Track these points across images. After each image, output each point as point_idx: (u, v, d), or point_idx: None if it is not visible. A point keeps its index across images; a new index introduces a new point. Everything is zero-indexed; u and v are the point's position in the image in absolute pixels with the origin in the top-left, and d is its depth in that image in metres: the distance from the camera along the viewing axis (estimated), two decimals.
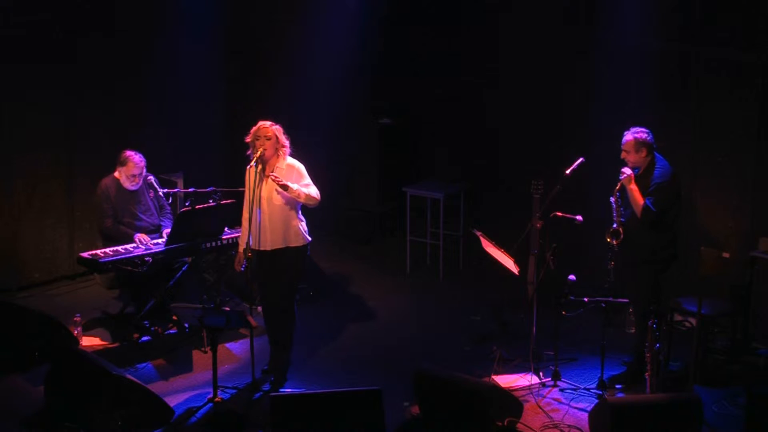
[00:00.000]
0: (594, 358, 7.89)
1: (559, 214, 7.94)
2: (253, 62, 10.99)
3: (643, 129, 7.66)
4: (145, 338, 8.53)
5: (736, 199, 8.79)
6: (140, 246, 8.31)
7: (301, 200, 7.64)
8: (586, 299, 7.89)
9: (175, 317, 8.70)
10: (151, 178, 8.71)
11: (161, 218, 8.73)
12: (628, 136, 7.67)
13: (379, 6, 10.77)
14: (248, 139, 7.64)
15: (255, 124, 7.67)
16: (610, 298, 7.77)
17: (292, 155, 7.74)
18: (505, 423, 7.03)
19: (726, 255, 8.52)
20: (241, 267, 7.73)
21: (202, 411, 7.42)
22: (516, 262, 8.01)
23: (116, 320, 8.76)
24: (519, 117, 10.25)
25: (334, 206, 10.65)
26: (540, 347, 8.13)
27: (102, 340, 8.58)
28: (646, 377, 7.23)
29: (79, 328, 8.43)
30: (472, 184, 10.58)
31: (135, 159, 8.47)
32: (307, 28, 10.65)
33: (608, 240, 7.76)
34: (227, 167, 10.36)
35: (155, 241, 8.44)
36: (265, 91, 10.73)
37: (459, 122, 10.92)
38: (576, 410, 7.46)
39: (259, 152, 7.54)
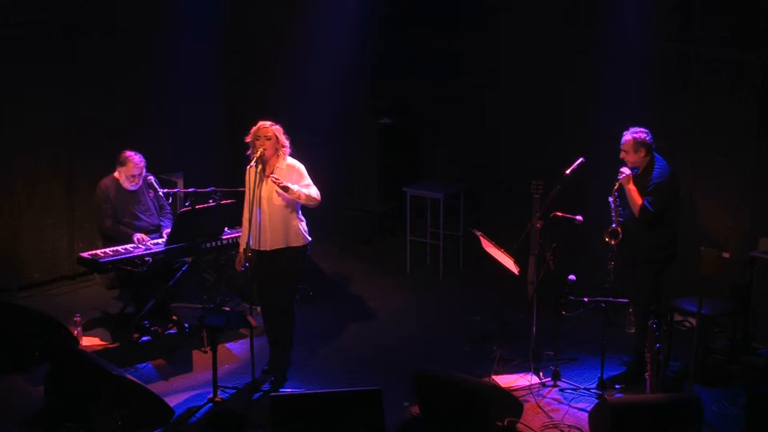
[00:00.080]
0: (594, 358, 7.89)
1: (559, 214, 7.95)
2: (253, 62, 10.99)
3: (642, 129, 7.67)
4: (145, 338, 8.53)
5: (736, 199, 8.79)
6: (140, 246, 8.31)
7: (302, 201, 7.64)
8: (586, 299, 7.90)
9: (175, 317, 8.70)
10: (151, 178, 8.72)
11: (161, 218, 8.73)
12: (627, 136, 7.67)
13: (379, 6, 10.77)
14: (248, 139, 7.64)
15: (255, 124, 7.66)
16: (610, 298, 7.77)
17: (292, 155, 7.74)
18: (505, 423, 7.03)
19: (726, 255, 8.52)
20: (242, 267, 7.73)
21: (202, 411, 7.42)
22: (516, 262, 8.01)
23: (116, 320, 8.75)
24: (519, 117, 10.25)
25: (334, 206, 10.65)
26: (540, 347, 8.13)
27: (102, 340, 8.58)
28: (646, 377, 7.23)
29: (79, 328, 8.43)
30: (472, 184, 10.58)
31: (135, 159, 8.47)
32: (307, 28, 10.65)
33: (607, 240, 7.77)
34: (227, 167, 10.36)
35: (155, 241, 8.44)
36: (265, 91, 10.73)
37: (459, 122, 10.92)
38: (576, 410, 7.46)
39: (259, 152, 7.54)
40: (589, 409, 7.28)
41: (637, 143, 7.63)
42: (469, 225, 9.50)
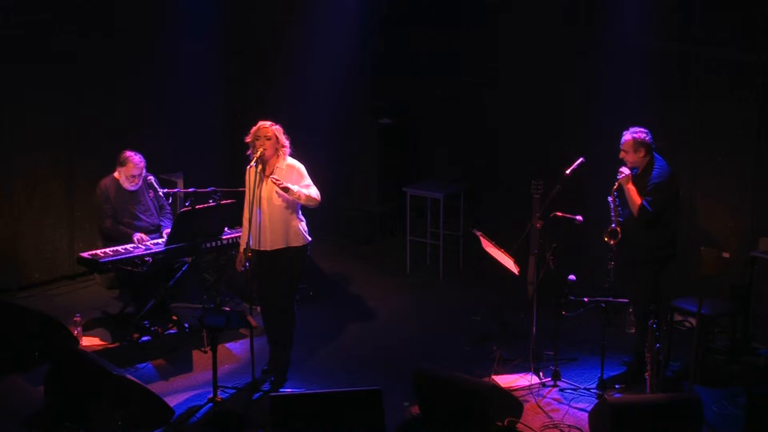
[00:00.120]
0: (594, 358, 7.89)
1: (559, 214, 7.95)
2: (253, 62, 10.99)
3: (642, 129, 7.67)
4: (145, 338, 8.53)
5: (736, 199, 8.79)
6: (140, 246, 8.31)
7: (302, 201, 7.64)
8: (586, 299, 7.90)
9: (175, 317, 8.70)
10: (151, 178, 8.72)
11: (161, 218, 8.73)
12: (627, 135, 7.67)
13: (379, 6, 10.77)
14: (248, 139, 7.64)
15: (255, 124, 7.66)
16: (610, 298, 7.78)
17: (292, 155, 7.74)
18: (505, 423, 7.03)
19: (726, 255, 8.52)
20: (242, 267, 7.72)
21: (202, 411, 7.42)
22: (516, 262, 8.01)
23: (116, 320, 8.75)
24: (519, 117, 10.26)
25: (334, 206, 10.65)
26: (540, 347, 8.13)
27: (102, 340, 8.58)
28: (646, 377, 7.23)
29: (79, 328, 8.43)
30: (472, 184, 10.58)
31: (135, 159, 8.47)
32: (307, 28, 10.64)
33: (606, 240, 7.77)
34: (227, 167, 10.36)
35: (155, 241, 8.44)
36: (265, 91, 10.73)
37: (459, 122, 10.92)
38: (576, 410, 7.46)
39: (259, 152, 7.54)
40: (589, 409, 7.28)
41: (637, 143, 7.63)
42: (469, 225, 9.50)
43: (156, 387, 7.55)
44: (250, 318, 7.59)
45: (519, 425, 7.14)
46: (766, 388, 7.08)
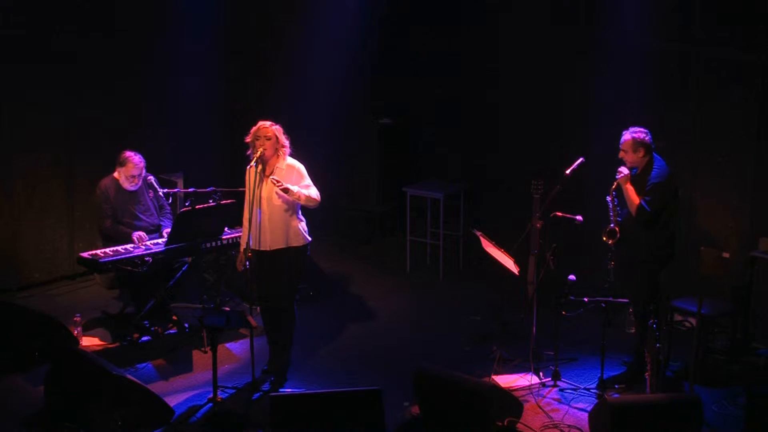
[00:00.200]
0: (594, 358, 7.89)
1: (559, 214, 7.95)
2: (253, 62, 10.99)
3: (641, 129, 7.66)
4: (145, 338, 8.53)
5: (736, 199, 8.79)
6: (140, 246, 8.31)
7: (302, 202, 7.64)
8: (586, 299, 7.89)
9: (175, 317, 8.70)
10: (151, 178, 8.71)
11: (161, 218, 8.73)
12: (627, 135, 7.67)
13: (379, 6, 10.77)
14: (248, 139, 7.64)
15: (255, 124, 7.66)
16: (610, 298, 7.77)
17: (292, 155, 7.74)
18: (505, 423, 7.03)
19: (726, 255, 8.52)
20: (242, 267, 7.72)
21: (202, 411, 7.42)
22: (516, 262, 8.01)
23: (116, 320, 8.75)
24: (519, 117, 10.26)
25: (334, 206, 10.65)
26: (540, 347, 8.13)
27: (102, 340, 8.58)
28: (646, 377, 7.22)
29: (79, 328, 8.43)
30: (472, 184, 10.58)
31: (134, 160, 8.46)
32: (307, 28, 10.65)
33: (604, 239, 7.77)
34: (227, 167, 10.35)
35: (155, 241, 8.44)
36: (265, 91, 10.73)
37: (459, 122, 10.93)
38: (576, 410, 7.46)
39: (259, 152, 7.54)
40: (589, 409, 7.28)
41: (636, 143, 7.63)
42: (469, 225, 9.50)
43: (156, 387, 7.55)
44: (250, 318, 7.59)
45: (519, 425, 7.14)
46: (766, 388, 7.08)
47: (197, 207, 8.42)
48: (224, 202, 8.56)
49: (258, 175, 7.60)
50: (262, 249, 7.68)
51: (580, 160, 7.95)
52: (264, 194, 7.62)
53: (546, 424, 7.27)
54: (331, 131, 10.96)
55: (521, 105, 10.18)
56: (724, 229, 8.85)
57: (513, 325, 8.73)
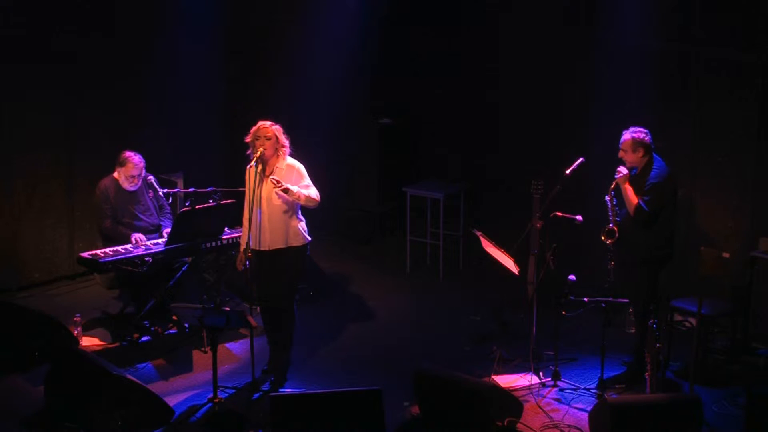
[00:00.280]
0: (594, 358, 7.89)
1: (559, 214, 7.95)
2: (253, 62, 10.99)
3: (641, 129, 7.66)
4: (145, 338, 8.53)
5: (736, 199, 8.79)
6: (139, 246, 8.31)
7: (301, 202, 7.64)
8: (586, 299, 7.89)
9: (175, 317, 8.70)
10: (151, 178, 8.72)
11: (161, 218, 8.73)
12: (626, 135, 7.68)
13: (379, 6, 10.77)
14: (248, 139, 7.64)
15: (255, 124, 7.66)
16: (610, 298, 7.77)
17: (292, 155, 7.74)
18: (505, 423, 7.03)
19: (726, 255, 8.52)
20: (242, 267, 7.72)
21: (202, 411, 7.42)
22: (516, 262, 8.01)
23: (116, 320, 8.75)
24: (519, 117, 10.26)
25: (334, 206, 10.65)
26: (540, 347, 8.13)
27: (102, 340, 8.58)
28: (646, 377, 7.22)
29: (79, 328, 8.43)
30: (472, 184, 10.58)
31: (134, 160, 8.46)
32: (307, 28, 10.65)
33: (603, 239, 7.77)
34: (227, 167, 10.35)
35: (155, 241, 8.44)
36: (265, 91, 10.73)
37: (459, 122, 10.93)
38: (576, 410, 7.46)
39: (258, 152, 7.54)
40: (589, 409, 7.28)
41: (636, 143, 7.63)
42: (469, 225, 9.50)
43: (156, 387, 7.55)
44: (250, 318, 7.59)
45: (519, 425, 7.14)
46: (766, 388, 7.09)
47: (197, 207, 8.41)
48: (224, 202, 8.56)
49: (258, 175, 7.60)
50: (261, 249, 7.68)
51: (580, 160, 7.95)
52: (264, 194, 7.62)
53: (546, 424, 7.27)
54: (331, 131, 10.96)
55: (521, 105, 10.18)
56: (723, 229, 8.85)
57: (513, 325, 8.73)
